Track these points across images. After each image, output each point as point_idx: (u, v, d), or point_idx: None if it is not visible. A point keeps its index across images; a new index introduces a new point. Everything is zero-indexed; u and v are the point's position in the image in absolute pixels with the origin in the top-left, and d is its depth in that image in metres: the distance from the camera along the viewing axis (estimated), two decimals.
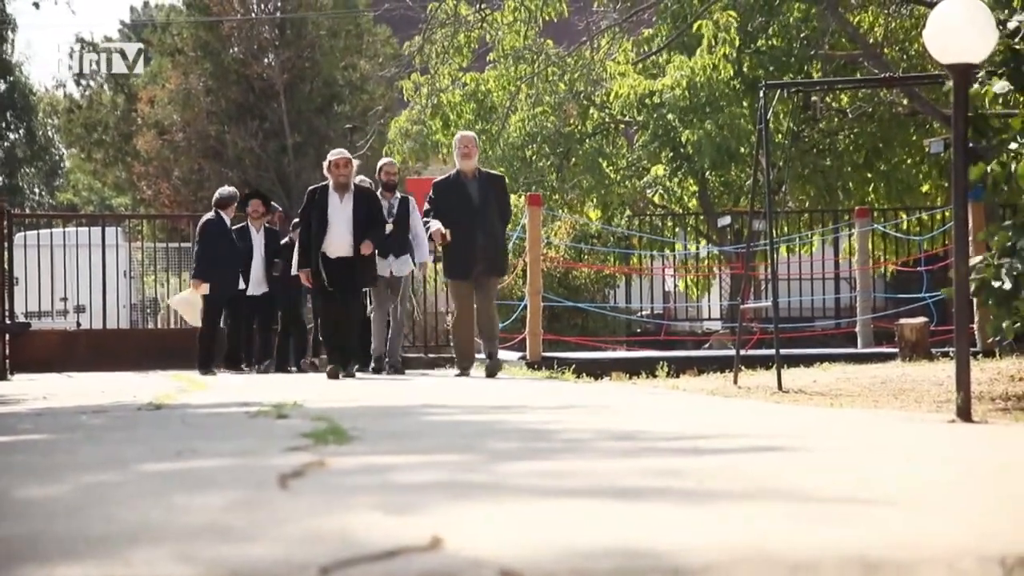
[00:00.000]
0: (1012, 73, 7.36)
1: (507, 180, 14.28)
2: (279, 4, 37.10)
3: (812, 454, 4.31)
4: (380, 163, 14.22)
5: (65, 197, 57.98)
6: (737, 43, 19.53)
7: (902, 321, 12.69)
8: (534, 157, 20.64)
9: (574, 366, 12.61)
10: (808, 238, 19.78)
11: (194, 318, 14.77)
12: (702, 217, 21.83)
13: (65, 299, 22.09)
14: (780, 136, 20.22)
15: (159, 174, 37.90)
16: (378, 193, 13.19)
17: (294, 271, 12.86)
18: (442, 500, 3.01)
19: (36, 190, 58.26)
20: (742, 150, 19.53)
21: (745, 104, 19.76)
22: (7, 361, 15.51)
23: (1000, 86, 7.35)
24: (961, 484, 3.53)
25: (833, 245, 21.21)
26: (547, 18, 19.98)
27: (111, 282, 19.09)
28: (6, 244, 16.79)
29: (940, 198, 20.62)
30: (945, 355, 11.21)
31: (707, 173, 20.51)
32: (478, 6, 20.28)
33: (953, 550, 2.37)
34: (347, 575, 2.21)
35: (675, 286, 22.52)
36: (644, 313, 20.72)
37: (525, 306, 14.06)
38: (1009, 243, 7.14)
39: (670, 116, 19.69)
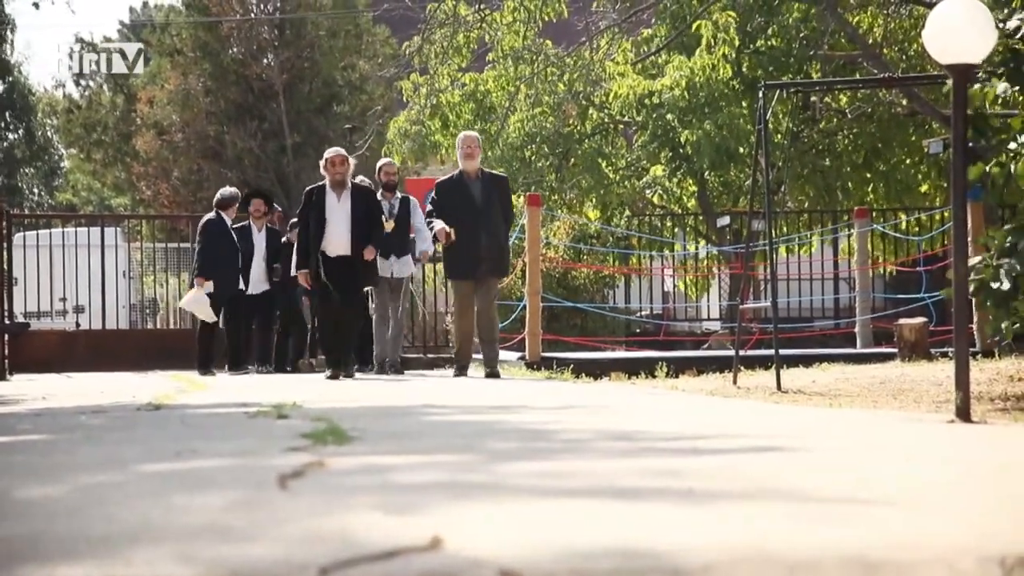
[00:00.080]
0: (1012, 72, 7.36)
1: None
2: (278, 4, 37.10)
3: (811, 454, 4.31)
4: (379, 163, 14.18)
5: (64, 197, 57.97)
6: (736, 43, 19.53)
7: (901, 321, 12.69)
8: (533, 157, 20.64)
9: (573, 366, 12.61)
10: (807, 238, 19.78)
11: (208, 314, 14.74)
12: (701, 217, 21.84)
13: (64, 299, 22.07)
14: (779, 136, 20.23)
15: (158, 174, 37.90)
16: (378, 194, 13.17)
17: (293, 272, 12.83)
18: (442, 500, 3.01)
19: (35, 190, 58.25)
20: (741, 150, 19.53)
21: (744, 104, 19.76)
22: (6, 361, 15.51)
23: (1001, 88, 7.35)
24: (960, 484, 3.53)
25: (832, 245, 21.21)
26: (546, 18, 19.97)
27: (110, 282, 19.10)
28: (5, 244, 16.79)
29: (939, 198, 20.63)
30: (944, 355, 11.21)
31: (706, 173, 20.51)
32: (477, 6, 20.27)
33: (953, 550, 2.38)
34: (347, 575, 2.21)
35: (674, 286, 22.52)
36: (643, 313, 20.72)
37: (524, 306, 14.06)
38: (1008, 243, 7.15)
39: (669, 116, 19.69)
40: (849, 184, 21.29)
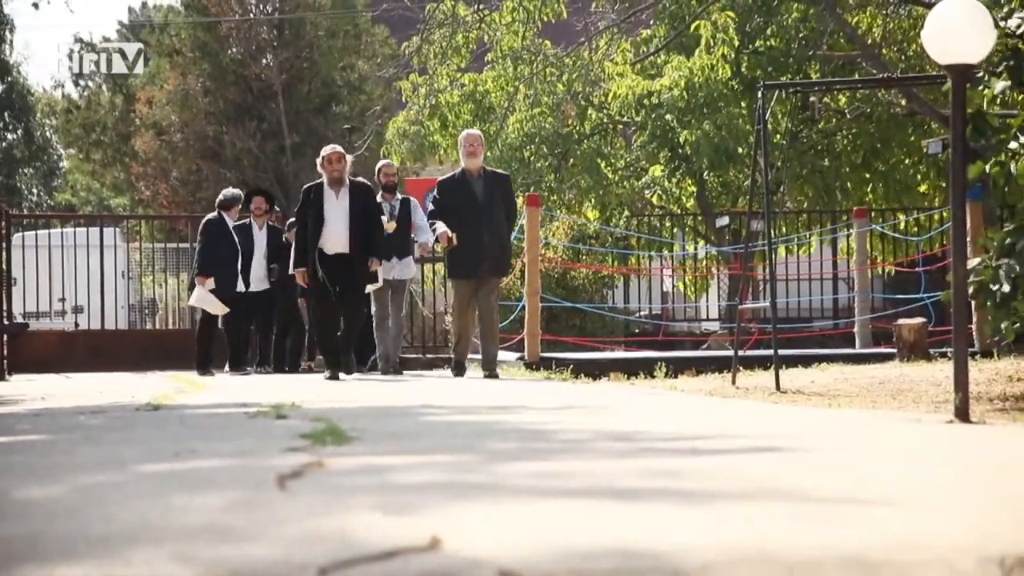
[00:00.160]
0: (1012, 71, 7.36)
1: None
2: (277, 4, 37.10)
3: (810, 454, 4.31)
4: (379, 165, 14.14)
5: (63, 198, 57.95)
6: (735, 44, 19.54)
7: (900, 321, 12.69)
8: (532, 158, 20.65)
9: (572, 367, 12.61)
10: (806, 239, 19.79)
11: (217, 307, 14.71)
12: (700, 217, 21.84)
13: (63, 300, 22.08)
14: (778, 136, 20.24)
15: (157, 175, 37.90)
16: (378, 195, 13.13)
17: (291, 270, 12.75)
18: (441, 500, 3.01)
19: (34, 191, 58.23)
20: (740, 150, 19.54)
21: (743, 104, 19.76)
22: (5, 361, 15.51)
23: (1000, 86, 7.35)
24: (960, 484, 3.53)
25: (831, 245, 21.21)
26: (545, 19, 19.98)
27: (109, 283, 19.09)
28: (4, 244, 16.79)
29: (938, 199, 20.64)
30: (943, 355, 11.21)
31: (705, 173, 20.52)
32: (476, 7, 20.27)
33: (952, 550, 2.38)
34: (346, 575, 2.21)
35: (673, 287, 22.52)
36: (642, 314, 20.72)
37: (523, 307, 14.06)
38: (1008, 244, 7.15)
39: (668, 116, 19.69)
40: (848, 184, 21.30)
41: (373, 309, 13.33)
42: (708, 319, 22.80)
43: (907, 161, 21.27)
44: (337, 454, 4.14)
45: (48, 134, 55.87)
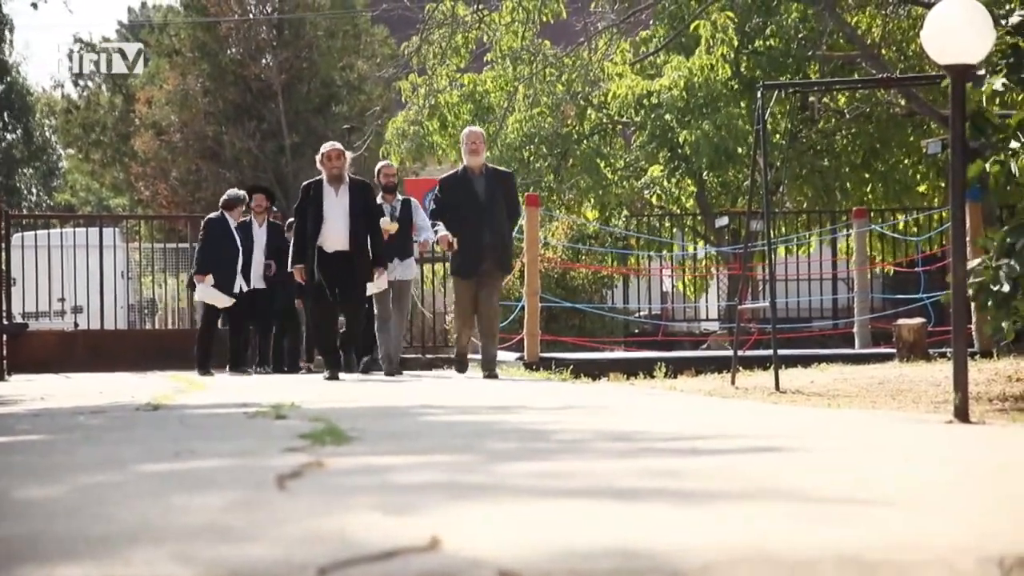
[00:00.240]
0: (1011, 68, 7.36)
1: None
2: (277, 5, 37.10)
3: (810, 454, 4.31)
4: (378, 166, 14.10)
5: (63, 198, 57.95)
6: (735, 44, 19.55)
7: (900, 322, 12.69)
8: (532, 158, 20.65)
9: (572, 367, 12.61)
10: (806, 239, 19.79)
11: (223, 300, 14.71)
12: (700, 217, 21.85)
13: (63, 300, 22.08)
14: (778, 136, 20.24)
15: (157, 175, 37.90)
16: (378, 196, 13.09)
17: (290, 268, 12.69)
18: (441, 500, 3.01)
19: (34, 191, 58.21)
20: (740, 150, 19.55)
21: (743, 104, 19.77)
22: (5, 362, 15.50)
23: (1000, 83, 7.35)
24: (959, 484, 3.53)
25: (831, 245, 21.22)
26: (545, 19, 19.98)
27: (109, 283, 19.10)
28: (4, 245, 16.79)
29: (937, 199, 20.65)
30: (943, 356, 11.22)
31: (705, 173, 20.52)
32: (476, 7, 20.27)
33: (952, 550, 2.38)
34: (346, 575, 2.21)
35: (673, 287, 22.52)
36: (642, 314, 20.72)
37: (523, 307, 14.06)
38: (1008, 242, 7.15)
39: (668, 117, 19.70)
40: (847, 184, 21.32)
41: (375, 310, 13.29)
42: (707, 319, 22.81)
43: (906, 161, 21.28)
44: (337, 454, 4.14)
45: (48, 134, 55.87)
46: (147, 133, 37.85)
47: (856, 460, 4.22)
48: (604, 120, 21.36)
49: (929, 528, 2.64)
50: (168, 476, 3.72)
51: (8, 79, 51.88)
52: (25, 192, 56.38)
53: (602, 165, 20.71)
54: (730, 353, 11.22)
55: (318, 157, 12.15)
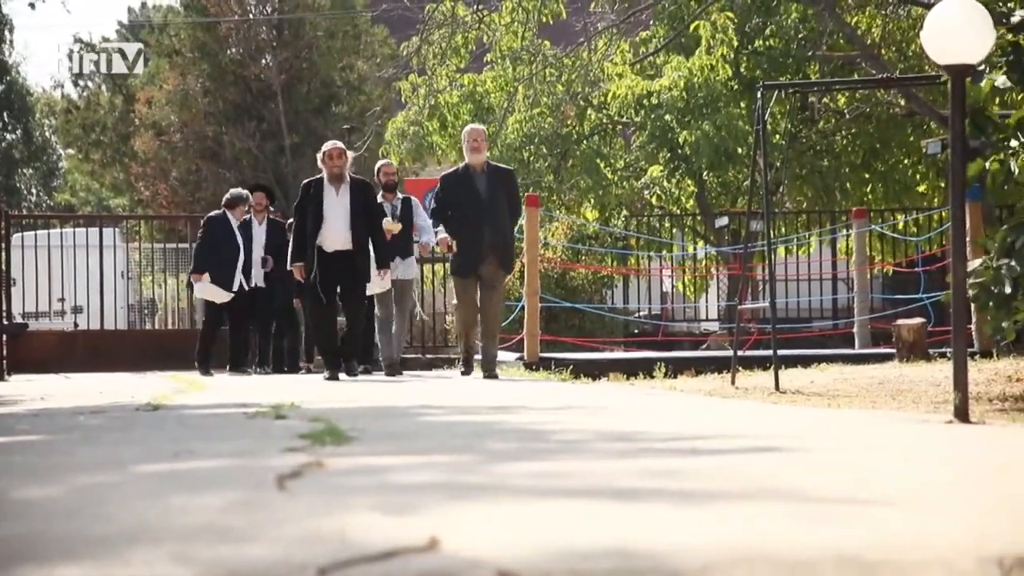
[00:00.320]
0: (1012, 65, 7.36)
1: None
2: (276, 5, 37.09)
3: (810, 454, 4.31)
4: (378, 164, 14.09)
5: (63, 198, 57.95)
6: (735, 44, 19.55)
7: (900, 322, 12.69)
8: (532, 158, 20.65)
9: (572, 367, 12.61)
10: (806, 239, 19.79)
11: (221, 296, 14.70)
12: (700, 218, 21.85)
13: (63, 300, 22.09)
14: (778, 137, 20.25)
15: (157, 175, 37.90)
16: (379, 195, 13.07)
17: (288, 266, 12.67)
18: (440, 501, 3.01)
19: (34, 191, 58.20)
20: (740, 151, 19.55)
21: (743, 105, 19.78)
22: (4, 362, 15.50)
23: (1000, 79, 7.35)
24: (959, 485, 3.53)
25: (831, 246, 21.23)
26: (544, 19, 19.97)
27: (109, 283, 19.10)
28: (4, 245, 16.79)
29: (937, 199, 20.66)
30: (943, 356, 11.22)
31: (705, 174, 20.53)
32: (476, 7, 20.27)
33: (951, 550, 2.38)
34: (345, 575, 2.21)
35: (672, 287, 22.53)
36: (642, 314, 20.72)
37: (522, 307, 14.06)
38: (1008, 242, 7.15)
39: (668, 117, 19.70)
40: (847, 184, 21.32)
41: (376, 311, 13.26)
42: (707, 319, 22.81)
43: (906, 161, 21.29)
44: (336, 454, 4.14)
45: (47, 134, 55.87)
46: (147, 133, 37.84)
47: (856, 460, 4.22)
48: (604, 120, 21.36)
49: (929, 528, 2.64)
50: (167, 476, 3.72)
51: (8, 79, 51.88)
52: (25, 192, 56.38)
53: (602, 165, 20.71)
54: (730, 353, 11.22)
55: (319, 156, 12.10)
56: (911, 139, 20.82)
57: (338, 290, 11.96)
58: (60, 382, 13.45)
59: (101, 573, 2.24)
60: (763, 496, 3.11)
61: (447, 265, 14.94)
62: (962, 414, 6.06)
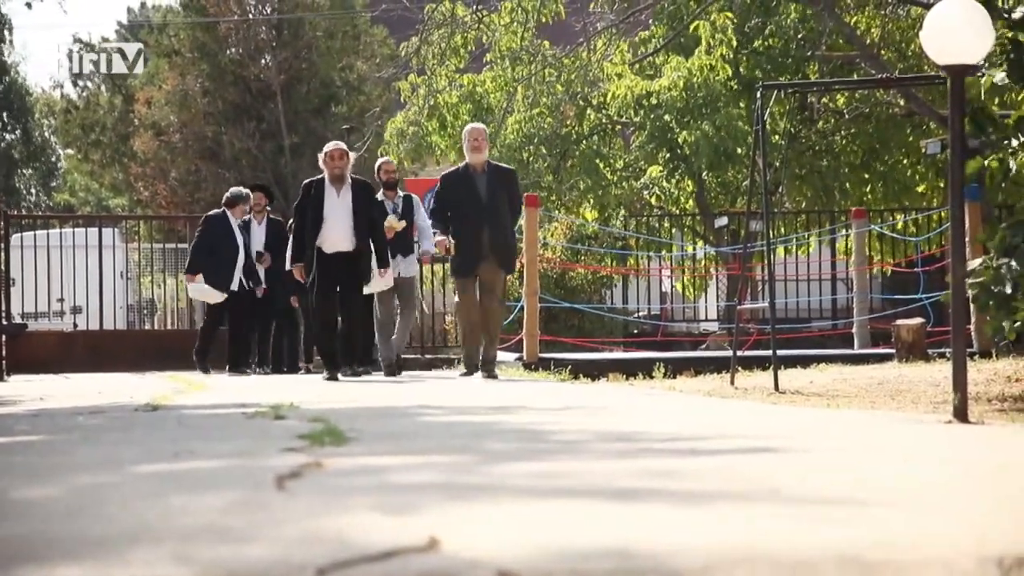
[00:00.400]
0: (1012, 63, 7.36)
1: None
2: (276, 5, 37.08)
3: (809, 455, 4.31)
4: (378, 162, 14.07)
5: (62, 198, 57.93)
6: (734, 44, 19.56)
7: (899, 322, 12.69)
8: (531, 158, 20.64)
9: (571, 367, 12.60)
10: (805, 239, 19.80)
11: (215, 296, 14.70)
12: (699, 218, 21.86)
13: (62, 300, 22.09)
14: (777, 137, 20.24)
15: (156, 175, 37.88)
16: (379, 193, 13.06)
17: (288, 266, 12.65)
18: (439, 501, 3.01)
19: (33, 191, 58.17)
20: (739, 151, 19.55)
21: (742, 105, 19.78)
22: (4, 362, 15.50)
23: (999, 76, 7.35)
24: (959, 485, 3.53)
25: (830, 246, 21.23)
26: (544, 19, 19.98)
27: (108, 283, 19.10)
28: (3, 245, 16.79)
29: (936, 199, 20.67)
30: (942, 356, 11.22)
31: (704, 174, 20.53)
32: (475, 7, 20.27)
33: (951, 550, 2.38)
34: (344, 575, 2.21)
35: (672, 287, 22.53)
36: (641, 314, 20.72)
37: (522, 307, 14.06)
38: (1007, 242, 7.15)
39: (667, 117, 19.70)
40: (847, 185, 21.33)
41: (376, 312, 13.23)
42: (707, 319, 22.80)
43: (905, 161, 21.30)
44: (335, 455, 4.14)
45: (47, 134, 55.85)
46: (146, 133, 37.82)
47: (856, 460, 4.22)
48: (603, 120, 21.36)
49: (929, 528, 2.64)
50: (167, 477, 3.72)
51: (7, 79, 51.86)
52: (24, 192, 56.35)
53: (601, 165, 20.71)
54: (729, 353, 11.21)
55: (320, 156, 12.04)
56: (910, 139, 20.83)
57: (336, 291, 11.93)
58: (59, 382, 13.44)
59: (101, 573, 2.24)
60: (763, 496, 3.11)
61: (446, 265, 14.93)
62: (961, 414, 6.06)
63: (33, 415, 7.40)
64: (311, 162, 31.25)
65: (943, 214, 17.57)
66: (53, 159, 58.32)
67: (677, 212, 21.38)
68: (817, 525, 2.65)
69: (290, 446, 4.39)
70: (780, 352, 10.09)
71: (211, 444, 4.75)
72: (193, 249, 14.86)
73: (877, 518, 2.76)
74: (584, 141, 21.04)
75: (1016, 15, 7.38)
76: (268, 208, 15.64)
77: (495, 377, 11.99)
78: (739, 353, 10.95)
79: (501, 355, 13.31)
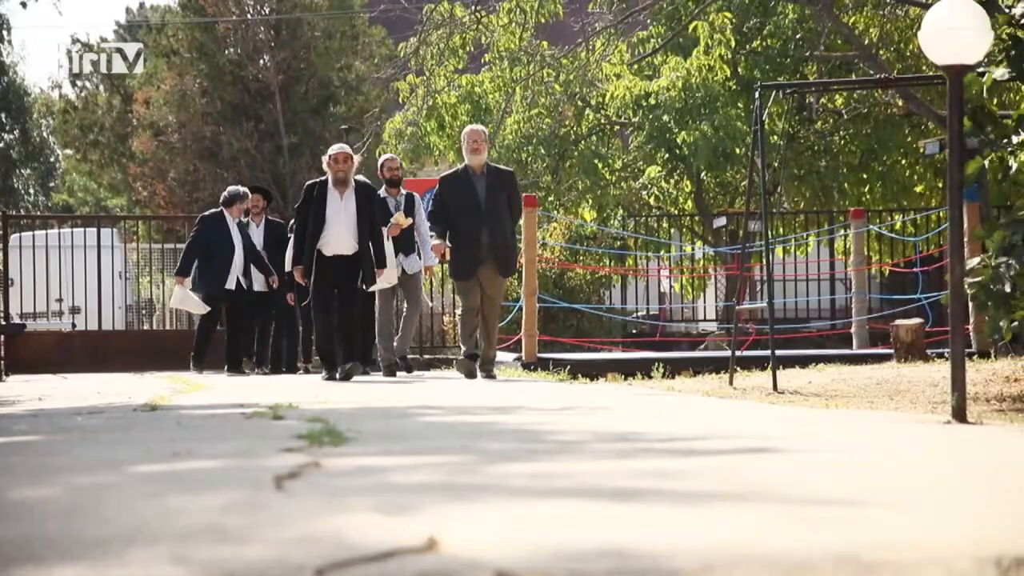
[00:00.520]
0: (1012, 60, 7.36)
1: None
2: (274, 5, 37.07)
3: (808, 455, 4.31)
4: (381, 159, 14.03)
5: (60, 198, 57.92)
6: (732, 44, 19.55)
7: (897, 322, 12.69)
8: (529, 159, 20.64)
9: (570, 367, 12.60)
10: (804, 239, 19.80)
11: (198, 307, 14.69)
12: (697, 218, 21.86)
13: (60, 300, 22.08)
14: (775, 137, 20.24)
15: (155, 175, 37.86)
16: (382, 190, 13.03)
17: (288, 267, 12.64)
18: (438, 501, 3.01)
19: (31, 191, 58.13)
20: (737, 151, 19.55)
21: (740, 105, 19.78)
22: (2, 362, 15.51)
23: (999, 72, 7.36)
24: (957, 485, 3.53)
25: (829, 246, 21.24)
26: (542, 20, 19.97)
27: (107, 283, 19.12)
28: (1, 245, 16.79)
29: (935, 199, 20.68)
30: (940, 356, 11.23)
31: (702, 174, 20.53)
32: (474, 8, 20.26)
33: (949, 551, 2.38)
34: None
35: (671, 287, 22.53)
36: (640, 314, 20.72)
37: (520, 307, 14.06)
38: (1007, 240, 7.15)
39: (665, 117, 19.70)
40: (845, 185, 21.33)
41: (376, 313, 13.21)
42: (705, 320, 22.81)
43: (904, 161, 21.30)
44: (334, 455, 4.14)
45: (45, 134, 55.82)
46: (145, 133, 37.81)
47: (854, 460, 4.22)
48: (602, 121, 21.36)
49: (927, 528, 2.64)
50: (165, 477, 3.72)
51: (5, 79, 51.84)
52: (23, 193, 56.32)
53: (600, 166, 20.71)
54: (728, 353, 11.22)
55: (325, 159, 11.96)
56: (909, 139, 20.83)
57: (335, 293, 11.91)
58: (58, 382, 13.44)
59: (99, 574, 2.23)
60: (761, 496, 3.11)
61: (445, 267, 14.90)
62: (960, 414, 6.07)
63: (31, 415, 7.39)
64: (309, 163, 31.31)
65: (941, 214, 17.58)
66: (51, 159, 58.29)
67: (676, 212, 21.39)
68: (815, 525, 2.65)
69: (289, 446, 4.39)
70: (779, 352, 10.10)
71: (210, 444, 4.75)
72: (185, 252, 14.82)
73: (875, 518, 2.76)
74: (582, 141, 21.04)
75: (1017, 11, 7.39)
76: (265, 209, 15.64)
77: (493, 377, 11.96)
78: (738, 353, 10.95)
79: (500, 355, 13.30)
